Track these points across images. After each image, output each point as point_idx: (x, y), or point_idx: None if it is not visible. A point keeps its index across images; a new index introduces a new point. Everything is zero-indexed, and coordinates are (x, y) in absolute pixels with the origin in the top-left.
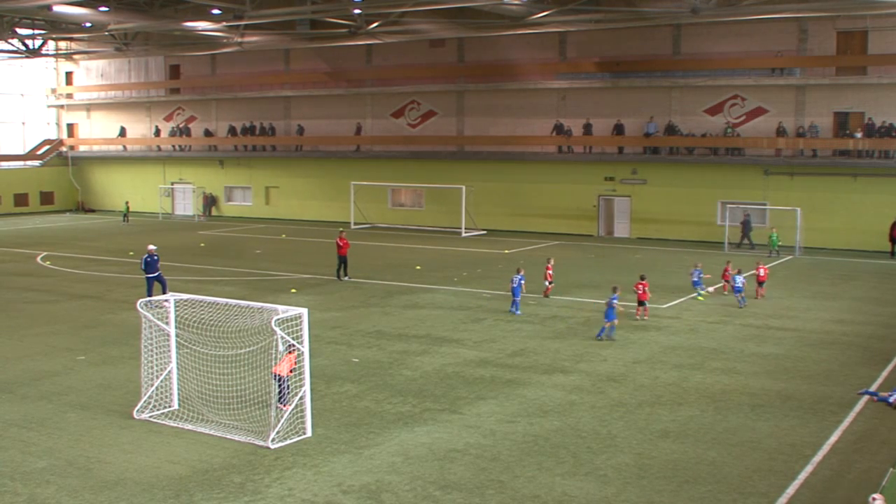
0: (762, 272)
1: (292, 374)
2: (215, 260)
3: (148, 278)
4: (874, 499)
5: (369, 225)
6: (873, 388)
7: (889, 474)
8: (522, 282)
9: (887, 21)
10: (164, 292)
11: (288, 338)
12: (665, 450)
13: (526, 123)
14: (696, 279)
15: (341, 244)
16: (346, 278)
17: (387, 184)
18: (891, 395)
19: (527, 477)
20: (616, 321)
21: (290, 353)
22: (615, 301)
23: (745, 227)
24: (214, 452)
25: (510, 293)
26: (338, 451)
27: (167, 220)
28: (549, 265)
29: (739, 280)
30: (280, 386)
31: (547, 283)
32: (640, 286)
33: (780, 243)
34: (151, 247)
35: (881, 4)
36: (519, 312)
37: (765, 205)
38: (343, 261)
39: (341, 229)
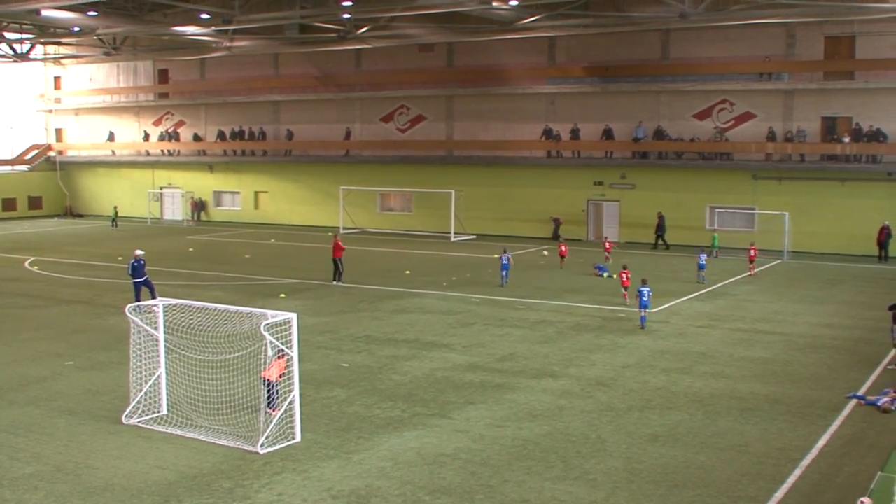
0: (752, 252)
1: (282, 378)
2: (204, 265)
3: (135, 283)
4: (862, 502)
5: (358, 230)
6: (861, 392)
7: (877, 478)
8: (510, 257)
9: (875, 26)
10: (152, 297)
11: (277, 343)
12: (654, 454)
13: (515, 128)
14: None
15: (336, 247)
16: (336, 283)
17: (376, 188)
18: (879, 399)
19: (516, 481)
20: (649, 309)
21: (279, 358)
22: (647, 291)
23: (660, 228)
24: (203, 458)
25: (500, 268)
26: (327, 456)
27: (156, 224)
28: (607, 239)
29: (703, 258)
30: (269, 391)
31: (607, 254)
32: (624, 274)
33: (719, 245)
34: (139, 252)
35: (869, 10)
36: (505, 285)
37: (753, 209)
38: (336, 264)
39: (331, 233)
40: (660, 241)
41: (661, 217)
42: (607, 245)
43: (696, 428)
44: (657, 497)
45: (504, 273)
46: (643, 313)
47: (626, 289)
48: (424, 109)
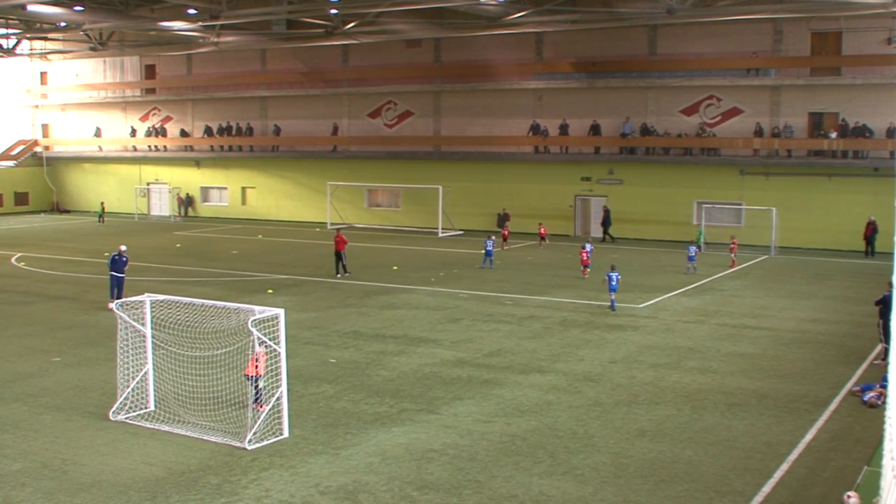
0: (734, 245)
1: (257, 370)
2: (191, 261)
3: (112, 276)
4: (849, 496)
5: (346, 225)
6: (847, 388)
7: (863, 472)
8: (494, 242)
9: (861, 22)
10: (118, 294)
11: (264, 338)
12: (642, 449)
13: (502, 124)
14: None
15: (339, 240)
16: (339, 276)
17: (364, 184)
18: (865, 394)
19: (504, 477)
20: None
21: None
22: (615, 276)
23: (605, 222)
24: (191, 454)
25: (484, 253)
26: (315, 451)
27: (143, 220)
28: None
29: (692, 250)
30: (255, 386)
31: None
32: (584, 253)
33: (704, 240)
34: (122, 247)
35: (855, 6)
36: (491, 267)
37: (741, 205)
38: (339, 256)
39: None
40: (606, 235)
41: (606, 211)
42: (542, 231)
43: (683, 423)
44: (645, 492)
45: (489, 256)
46: (612, 297)
47: (585, 266)
48: (412, 105)
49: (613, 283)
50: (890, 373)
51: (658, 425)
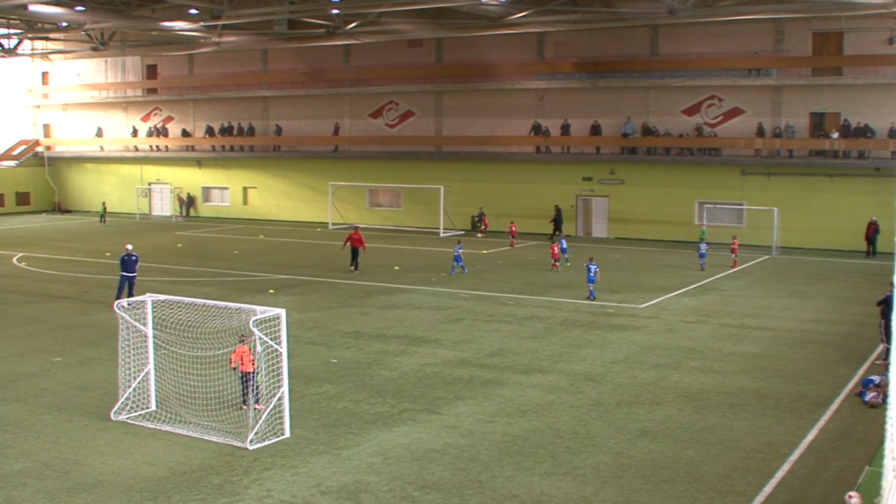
0: (735, 245)
1: (253, 366)
2: (193, 261)
3: (122, 276)
4: (850, 496)
5: (347, 225)
6: (849, 388)
7: (865, 472)
8: (461, 251)
9: (862, 22)
10: (129, 294)
11: (266, 338)
12: (643, 449)
13: (504, 124)
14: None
15: (356, 237)
16: (355, 270)
17: (365, 184)
18: (865, 393)
19: (505, 477)
20: (595, 283)
21: (242, 343)
22: (593, 268)
23: (557, 220)
24: (192, 454)
25: (454, 260)
26: (316, 451)
27: (144, 220)
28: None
29: (703, 247)
30: (250, 383)
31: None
32: (555, 247)
33: (707, 240)
34: (129, 246)
35: (856, 6)
36: (466, 271)
37: (742, 205)
38: (355, 253)
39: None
40: (557, 233)
41: (557, 209)
42: (485, 221)
43: (684, 423)
44: (646, 492)
45: (455, 263)
46: (591, 287)
47: (555, 260)
48: (413, 105)
49: (591, 275)
50: (891, 373)
51: (659, 425)
